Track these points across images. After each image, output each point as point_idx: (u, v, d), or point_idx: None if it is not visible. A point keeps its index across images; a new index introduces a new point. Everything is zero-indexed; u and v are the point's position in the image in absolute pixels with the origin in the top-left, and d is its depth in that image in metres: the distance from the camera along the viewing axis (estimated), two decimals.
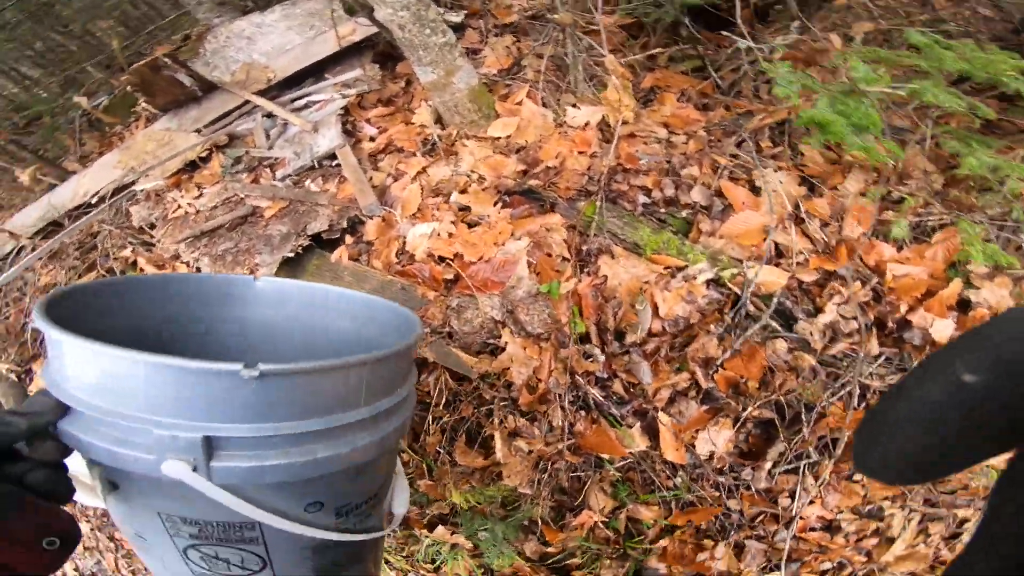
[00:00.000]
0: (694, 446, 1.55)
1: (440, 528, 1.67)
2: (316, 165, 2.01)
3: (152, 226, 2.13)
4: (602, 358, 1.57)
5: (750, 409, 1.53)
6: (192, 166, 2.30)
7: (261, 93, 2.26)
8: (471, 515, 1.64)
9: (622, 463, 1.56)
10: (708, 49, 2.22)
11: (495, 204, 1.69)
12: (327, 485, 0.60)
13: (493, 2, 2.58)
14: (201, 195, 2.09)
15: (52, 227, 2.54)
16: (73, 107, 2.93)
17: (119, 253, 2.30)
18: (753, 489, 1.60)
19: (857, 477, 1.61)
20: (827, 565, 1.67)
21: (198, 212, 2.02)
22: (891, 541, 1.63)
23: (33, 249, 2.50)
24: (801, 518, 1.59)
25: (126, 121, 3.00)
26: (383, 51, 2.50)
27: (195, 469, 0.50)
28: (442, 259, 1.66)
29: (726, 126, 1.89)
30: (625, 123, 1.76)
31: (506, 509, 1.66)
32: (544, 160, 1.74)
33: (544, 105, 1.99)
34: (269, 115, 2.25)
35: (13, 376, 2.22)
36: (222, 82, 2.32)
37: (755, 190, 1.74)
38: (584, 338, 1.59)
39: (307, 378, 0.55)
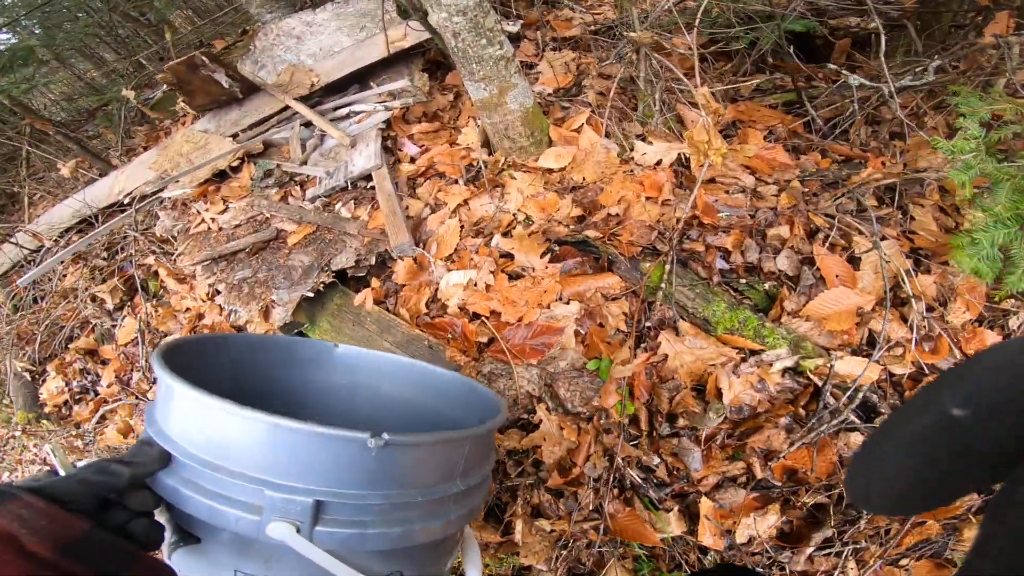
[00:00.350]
0: (733, 531, 1.31)
1: None
2: (349, 186, 1.83)
3: (175, 237, 2.01)
4: (647, 442, 1.33)
5: (803, 501, 1.28)
6: (222, 175, 2.16)
7: (303, 99, 2.09)
8: None
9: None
10: (802, 81, 1.90)
11: (543, 255, 1.45)
12: (411, 556, 0.59)
13: (552, 13, 2.32)
14: (226, 209, 1.95)
15: (85, 224, 2.48)
16: (120, 98, 2.87)
17: (143, 260, 2.19)
18: (788, 570, 1.36)
19: (904, 562, 1.37)
20: None
21: (220, 229, 1.87)
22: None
23: (61, 248, 2.45)
24: None
25: (175, 117, 2.92)
26: (433, 58, 2.28)
27: (299, 531, 0.49)
28: (476, 315, 1.44)
29: (824, 176, 1.57)
30: (709, 166, 1.48)
31: None
32: (605, 205, 1.49)
33: (607, 136, 1.73)
34: (308, 124, 2.08)
35: (27, 375, 2.16)
36: (264, 84, 2.16)
37: (852, 260, 1.43)
38: (632, 419, 1.35)
39: (425, 449, 0.57)
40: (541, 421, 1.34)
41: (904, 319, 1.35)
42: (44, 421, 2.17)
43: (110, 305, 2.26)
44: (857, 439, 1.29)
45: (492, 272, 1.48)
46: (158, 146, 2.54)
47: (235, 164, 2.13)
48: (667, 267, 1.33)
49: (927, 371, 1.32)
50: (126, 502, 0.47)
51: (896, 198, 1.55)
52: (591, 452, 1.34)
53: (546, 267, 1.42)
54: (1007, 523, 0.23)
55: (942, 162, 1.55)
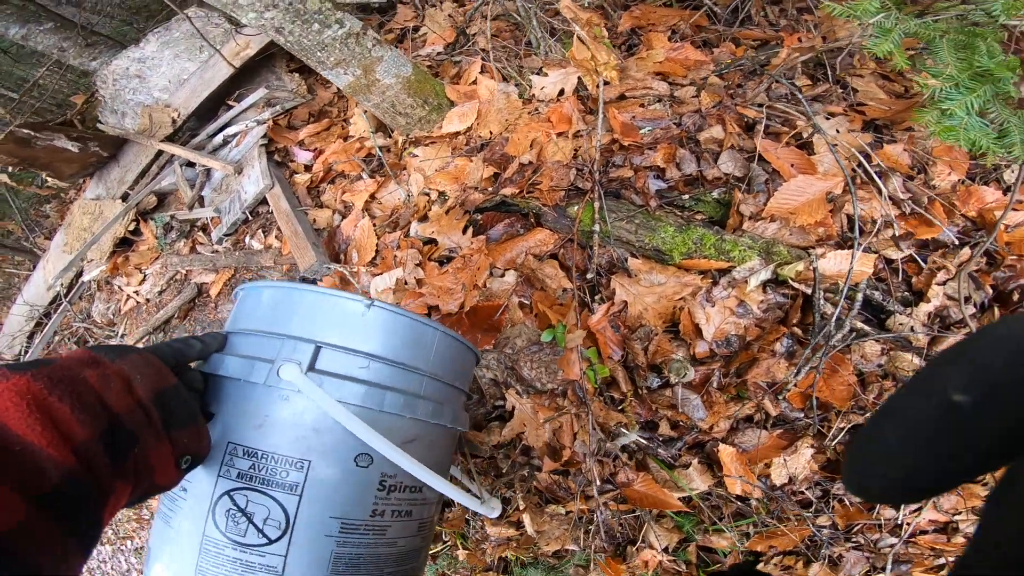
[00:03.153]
0: (768, 476, 1.15)
1: None
2: (249, 216, 1.57)
3: (112, 322, 1.76)
4: (636, 402, 1.15)
5: (836, 428, 1.11)
6: (125, 243, 1.89)
7: (171, 138, 1.79)
8: (523, 564, 1.30)
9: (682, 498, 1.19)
10: None
11: (465, 230, 1.22)
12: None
13: None
14: (144, 278, 1.69)
15: (38, 328, 2.20)
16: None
17: None
18: (848, 501, 1.22)
19: (979, 477, 1.22)
20: (942, 561, 1.32)
21: (147, 301, 1.63)
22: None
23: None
24: (908, 524, 1.23)
25: (76, 183, 2.56)
26: None
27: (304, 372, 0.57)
28: None
29: (741, 65, 1.35)
30: (608, 84, 1.25)
31: (557, 559, 1.32)
32: (516, 155, 1.26)
33: (505, 80, 1.48)
34: (191, 163, 1.80)
35: None
36: (127, 133, 1.85)
37: (804, 146, 1.23)
38: (610, 382, 1.16)
39: (401, 320, 0.65)
40: (514, 408, 1.15)
41: (883, 196, 1.16)
42: None
43: None
44: (873, 349, 1.10)
45: (419, 264, 1.25)
46: (63, 224, 2.23)
47: (132, 227, 1.86)
48: (596, 205, 1.12)
49: (929, 248, 1.13)
50: (185, 377, 0.55)
51: (829, 74, 1.34)
52: (576, 429, 1.16)
53: (471, 242, 1.20)
54: (1007, 514, 0.21)
55: (859, 29, 1.33)
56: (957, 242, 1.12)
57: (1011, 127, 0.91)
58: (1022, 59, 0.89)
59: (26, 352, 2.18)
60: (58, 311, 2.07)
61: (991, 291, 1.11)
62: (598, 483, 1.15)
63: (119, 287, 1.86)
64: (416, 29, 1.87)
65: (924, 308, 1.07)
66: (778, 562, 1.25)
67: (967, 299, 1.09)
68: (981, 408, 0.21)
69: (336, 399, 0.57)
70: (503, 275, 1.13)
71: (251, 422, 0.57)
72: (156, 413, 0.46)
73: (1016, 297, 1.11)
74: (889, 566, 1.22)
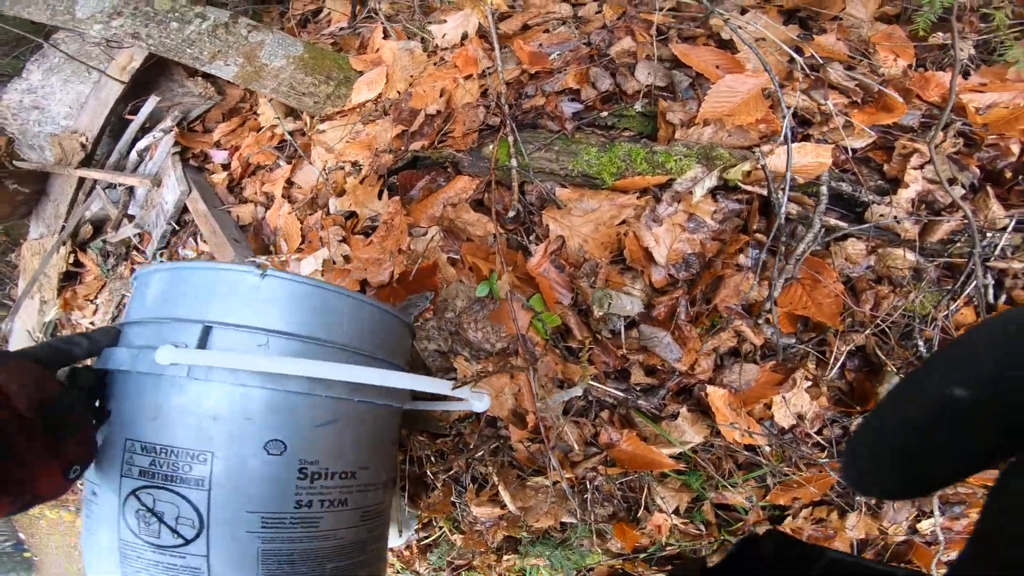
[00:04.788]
0: (771, 418, 1.03)
1: (508, 556, 1.25)
2: (177, 226, 1.47)
3: None
4: (598, 350, 1.05)
5: (836, 352, 0.99)
6: (71, 276, 1.81)
7: (86, 162, 1.69)
8: (530, 541, 1.21)
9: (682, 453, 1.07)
10: None
11: (380, 195, 1.12)
12: (293, 424, 0.56)
13: None
14: (96, 308, 1.62)
15: None
16: None
17: None
18: None
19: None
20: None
21: None
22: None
23: None
24: None
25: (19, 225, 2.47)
26: None
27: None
28: None
29: None
30: (506, 17, 1.13)
31: (562, 532, 1.22)
32: (421, 107, 1.15)
33: (409, 38, 1.36)
34: (109, 186, 1.70)
35: None
36: (46, 167, 1.76)
37: (724, 45, 1.11)
38: (564, 330, 1.07)
39: (300, 287, 0.59)
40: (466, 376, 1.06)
41: (833, 87, 1.04)
42: None
43: None
44: (857, 248, 0.98)
45: (343, 240, 1.16)
46: (21, 270, 2.16)
47: (72, 260, 1.77)
48: (510, 138, 1.01)
49: (893, 134, 1.02)
50: (76, 378, 0.54)
51: None
52: (535, 390, 1.06)
53: (388, 206, 1.10)
54: (1006, 512, 0.21)
55: None
56: (922, 126, 1.01)
57: None
58: None
59: None
60: None
61: (979, 171, 0.99)
62: (577, 447, 1.05)
63: (77, 322, 1.79)
64: (318, 11, 1.75)
65: (904, 194, 0.96)
66: (808, 515, 1.08)
67: (951, 181, 0.97)
68: (981, 403, 0.21)
69: (232, 383, 0.53)
70: (425, 233, 1.03)
71: (145, 415, 0.54)
72: (38, 423, 0.44)
73: (1009, 175, 1.00)
74: (937, 509, 1.08)
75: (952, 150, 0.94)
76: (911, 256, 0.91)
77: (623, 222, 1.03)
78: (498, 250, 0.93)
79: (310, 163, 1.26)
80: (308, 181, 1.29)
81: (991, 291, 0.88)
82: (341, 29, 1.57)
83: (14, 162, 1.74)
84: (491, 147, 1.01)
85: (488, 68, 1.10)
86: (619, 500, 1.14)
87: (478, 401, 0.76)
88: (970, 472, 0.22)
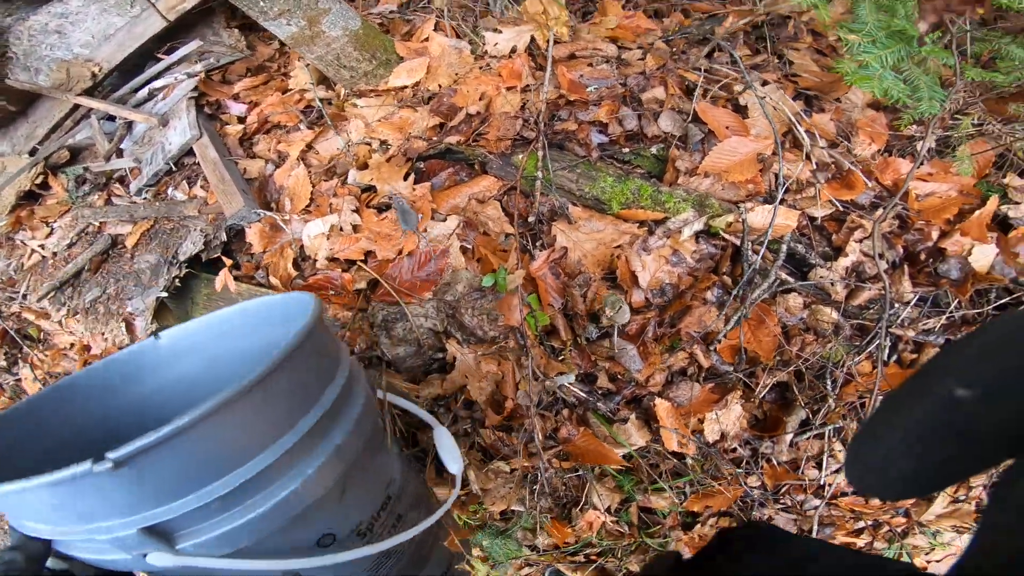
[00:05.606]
0: (702, 432, 1.18)
1: None
2: (174, 168, 1.48)
3: (12, 281, 1.59)
4: (575, 353, 1.16)
5: (762, 383, 1.16)
6: (32, 197, 1.72)
7: (90, 92, 1.67)
8: (471, 531, 1.26)
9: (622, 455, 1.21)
10: None
11: (406, 177, 1.20)
12: (320, 517, 0.56)
13: None
14: (52, 232, 1.56)
15: None
16: None
17: (7, 310, 1.77)
18: (775, 461, 1.28)
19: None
20: (862, 524, 1.39)
21: (55, 255, 1.51)
22: (931, 499, 1.33)
23: None
24: (829, 485, 1.30)
25: None
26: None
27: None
28: (351, 262, 1.19)
29: (689, 33, 1.42)
30: (559, 42, 1.28)
31: (505, 521, 1.28)
32: (463, 106, 1.26)
33: (459, 37, 1.48)
34: (107, 117, 1.67)
35: None
36: (40, 88, 1.71)
37: (738, 109, 1.30)
38: (550, 330, 1.17)
39: (185, 438, 0.46)
40: (455, 358, 1.13)
41: (810, 159, 1.24)
42: None
43: (4, 364, 1.84)
44: (796, 301, 1.18)
45: (355, 210, 1.22)
46: None
47: (39, 181, 1.70)
48: (540, 154, 1.13)
49: (849, 209, 1.22)
50: None
51: (769, 45, 1.43)
52: (518, 379, 1.14)
53: (413, 188, 1.18)
54: (1009, 513, 0.21)
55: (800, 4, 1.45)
56: (872, 205, 1.22)
57: (920, 83, 1.00)
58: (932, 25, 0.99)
59: None
60: None
61: (902, 251, 1.21)
62: (540, 438, 1.14)
63: (22, 242, 1.70)
64: None
65: (842, 262, 1.16)
66: (713, 523, 1.28)
67: (880, 255, 1.17)
68: (983, 404, 0.21)
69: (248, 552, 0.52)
70: (444, 220, 1.12)
71: None
72: None
73: (923, 257, 1.22)
74: (815, 528, 1.27)
75: (887, 229, 1.14)
76: (835, 314, 1.11)
77: (619, 246, 1.16)
78: (516, 248, 1.03)
79: (336, 132, 1.32)
80: (328, 149, 1.35)
81: (887, 352, 1.07)
82: (391, 12, 1.67)
83: (6, 81, 1.68)
84: (521, 157, 1.13)
85: (531, 85, 1.23)
86: (562, 494, 1.24)
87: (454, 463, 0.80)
88: (970, 473, 0.23)
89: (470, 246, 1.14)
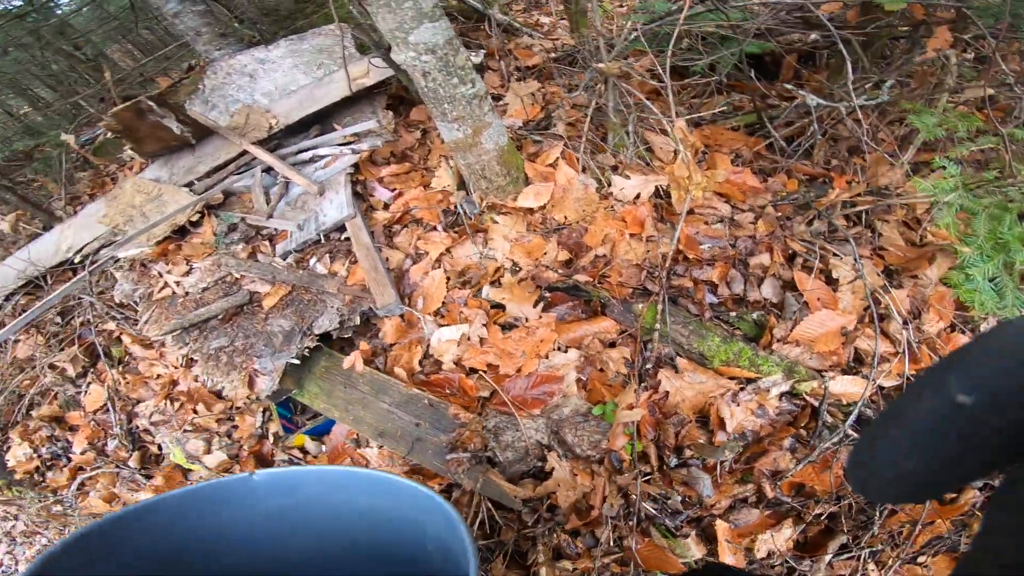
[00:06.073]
0: (752, 548, 1.32)
1: None
2: (323, 239, 1.70)
3: (136, 303, 1.82)
4: (658, 480, 1.31)
5: (816, 510, 1.30)
6: (182, 231, 1.98)
7: (262, 142, 1.93)
8: None
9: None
10: (759, 101, 1.91)
11: (535, 303, 1.39)
12: None
13: (513, 41, 2.25)
14: (190, 271, 1.78)
15: (31, 286, 2.22)
16: (61, 143, 2.58)
17: (103, 326, 1.99)
18: None
19: (921, 559, 1.42)
20: None
21: (187, 294, 1.71)
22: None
23: (15, 311, 2.19)
24: None
25: (121, 161, 2.65)
26: (395, 93, 2.17)
27: None
28: (473, 370, 1.37)
29: (794, 199, 1.59)
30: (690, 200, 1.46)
31: None
32: (591, 246, 1.45)
33: (583, 170, 1.68)
34: (268, 170, 1.93)
35: None
36: (218, 127, 1.99)
37: (830, 281, 1.45)
38: (640, 456, 1.32)
39: None
40: (553, 469, 1.30)
41: (884, 334, 1.38)
42: (16, 488, 1.97)
43: (71, 373, 2.06)
44: None
45: (484, 325, 1.41)
46: (106, 196, 2.31)
47: (195, 218, 1.96)
48: (659, 307, 1.31)
49: (911, 379, 1.36)
50: None
51: (863, 216, 1.59)
52: (607, 493, 1.30)
53: (539, 316, 1.37)
54: (1010, 516, 0.22)
55: (901, 177, 1.60)
56: None
57: (1007, 290, 1.14)
58: None
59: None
60: (69, 281, 2.11)
61: None
62: (611, 543, 1.29)
63: (158, 273, 1.93)
64: (498, 98, 2.08)
65: None
66: None
67: None
68: (986, 408, 0.21)
69: None
70: (566, 351, 1.29)
71: None
72: None
73: None
74: None
75: None
76: None
77: (713, 396, 1.31)
78: (634, 390, 1.20)
79: (472, 243, 1.52)
80: (462, 257, 1.55)
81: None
82: (519, 127, 1.89)
83: (188, 111, 1.97)
84: (641, 307, 1.30)
85: (653, 236, 1.41)
86: None
87: None
88: (971, 479, 0.23)
89: (584, 377, 1.31)
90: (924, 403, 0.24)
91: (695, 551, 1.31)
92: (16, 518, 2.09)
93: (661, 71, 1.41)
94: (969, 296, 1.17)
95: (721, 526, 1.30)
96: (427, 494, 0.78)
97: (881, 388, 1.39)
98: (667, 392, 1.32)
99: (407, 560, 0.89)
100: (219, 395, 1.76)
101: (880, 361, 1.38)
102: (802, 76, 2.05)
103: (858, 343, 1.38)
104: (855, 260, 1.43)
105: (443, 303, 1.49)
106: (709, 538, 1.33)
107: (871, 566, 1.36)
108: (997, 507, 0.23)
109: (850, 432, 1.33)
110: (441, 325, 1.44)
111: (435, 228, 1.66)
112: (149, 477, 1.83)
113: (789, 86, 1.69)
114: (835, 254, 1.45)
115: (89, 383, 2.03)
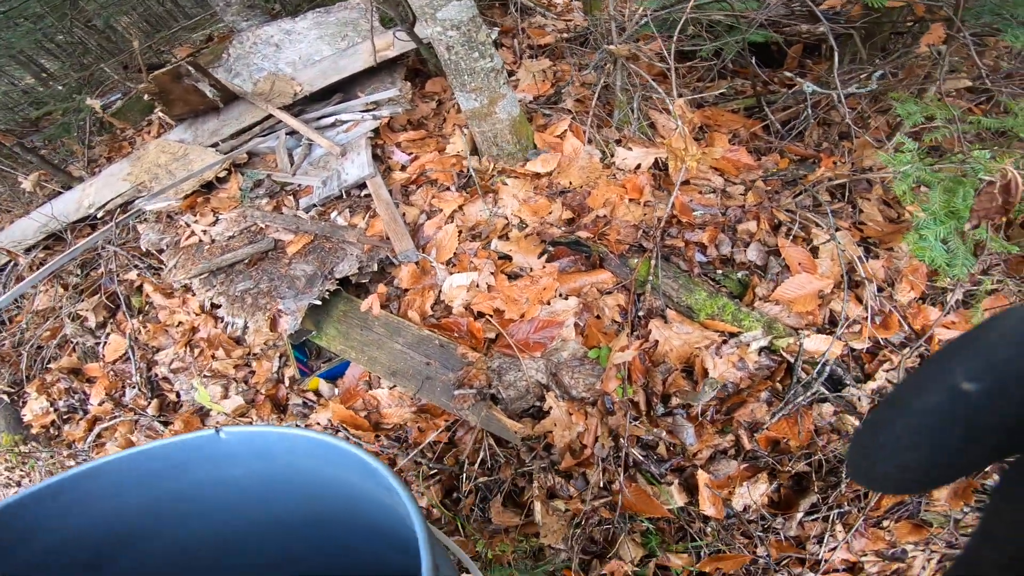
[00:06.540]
0: (730, 500, 1.45)
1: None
2: (343, 195, 1.83)
3: (161, 251, 1.95)
4: (647, 424, 1.45)
5: (791, 466, 1.43)
6: (208, 186, 2.11)
7: (286, 108, 2.05)
8: (497, 565, 1.54)
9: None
10: (759, 86, 2.04)
11: (540, 255, 1.52)
12: None
13: (527, 20, 2.37)
14: (217, 221, 1.91)
15: (52, 240, 2.35)
16: (81, 107, 2.70)
17: (124, 275, 2.12)
18: (782, 536, 1.53)
19: (885, 523, 1.55)
20: None
21: (213, 241, 1.84)
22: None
23: (32, 266, 2.32)
24: (825, 561, 1.54)
25: (138, 126, 2.78)
26: (412, 66, 2.29)
27: None
28: (480, 314, 1.51)
29: (783, 175, 1.72)
30: (685, 170, 1.59)
31: (535, 560, 1.56)
32: (593, 208, 1.58)
33: (589, 142, 1.81)
34: (291, 133, 2.06)
35: (6, 398, 2.06)
36: (245, 93, 2.11)
37: (812, 249, 1.59)
38: (630, 402, 1.46)
39: None
40: (551, 409, 1.43)
41: (859, 299, 1.51)
42: (32, 443, 2.08)
43: (92, 323, 2.17)
44: (828, 409, 1.45)
45: (492, 273, 1.54)
46: (129, 157, 2.44)
47: (222, 175, 2.08)
48: (652, 262, 1.44)
49: (881, 343, 1.48)
50: None
51: (846, 193, 1.72)
52: (599, 434, 1.43)
53: (543, 267, 1.49)
54: (1011, 509, 0.22)
55: (882, 164, 1.73)
56: (901, 344, 1.49)
57: (959, 253, 1.28)
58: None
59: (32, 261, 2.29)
60: (97, 232, 2.23)
61: None
62: (601, 485, 1.42)
63: (185, 223, 2.06)
64: (511, 73, 2.21)
65: (870, 385, 1.44)
66: None
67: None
68: (991, 396, 0.21)
69: None
70: (567, 298, 1.43)
71: None
72: None
73: None
74: None
75: (911, 364, 1.41)
76: (856, 422, 1.37)
77: (698, 348, 1.44)
78: (627, 334, 1.33)
79: (483, 201, 1.65)
80: (473, 214, 1.68)
81: None
82: (529, 102, 2.01)
83: (218, 78, 2.09)
84: (636, 261, 1.43)
85: (650, 201, 1.54)
86: (597, 543, 1.51)
87: None
88: (975, 468, 0.22)
89: (582, 324, 1.44)
90: (927, 391, 0.24)
91: (677, 499, 1.44)
92: (19, 484, 2.20)
93: (667, 55, 1.54)
94: (920, 252, 1.31)
95: (702, 476, 1.42)
96: (381, 474, 0.65)
97: (852, 349, 1.52)
98: (656, 341, 1.45)
99: (367, 541, 0.81)
100: (238, 342, 1.89)
101: (851, 324, 1.52)
102: (805, 65, 2.18)
103: (833, 306, 1.51)
104: (832, 229, 1.57)
105: (454, 253, 1.62)
106: (690, 488, 1.46)
107: (838, 527, 1.50)
108: (1001, 499, 0.23)
109: (823, 390, 1.47)
110: (452, 273, 1.57)
111: (448, 188, 1.79)
112: (167, 424, 1.95)
113: (789, 73, 1.82)
114: (817, 224, 1.58)
115: (109, 333, 2.15)
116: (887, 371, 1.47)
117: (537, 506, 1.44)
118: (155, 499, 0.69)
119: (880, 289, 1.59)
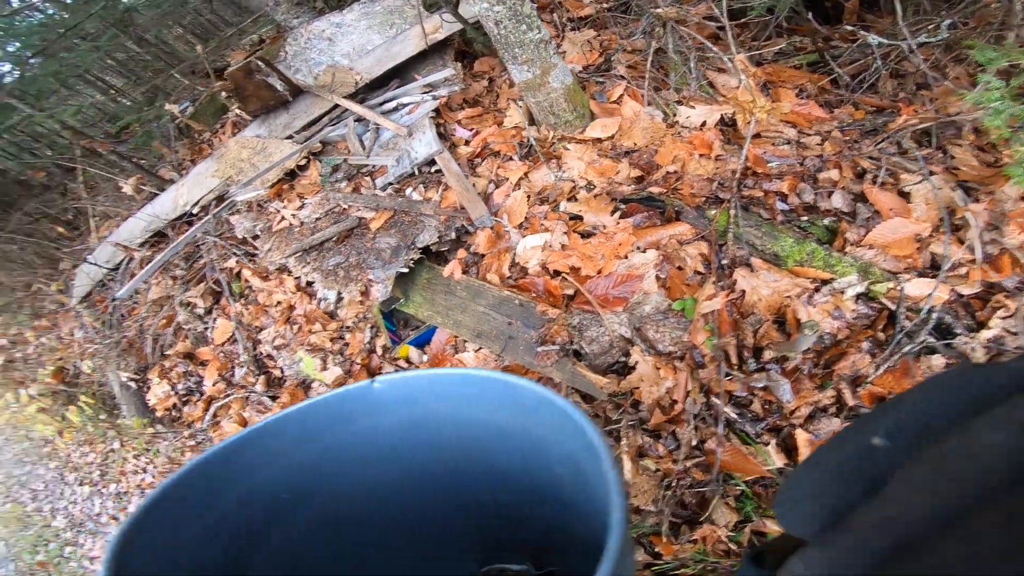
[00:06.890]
0: None
1: None
2: (415, 172, 1.90)
3: (255, 237, 2.07)
4: (741, 377, 1.41)
5: None
6: (290, 175, 2.24)
7: (349, 97, 2.15)
8: None
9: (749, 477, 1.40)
10: (820, 42, 1.98)
11: (612, 212, 1.52)
12: None
13: None
14: (303, 206, 2.02)
15: (157, 237, 2.54)
16: (161, 115, 2.91)
17: (223, 264, 2.26)
18: None
19: None
20: None
21: (302, 224, 1.94)
22: None
23: (141, 263, 2.50)
24: None
25: (212, 127, 2.97)
26: (458, 48, 2.36)
27: None
28: (556, 273, 1.52)
29: (861, 125, 1.66)
30: (755, 123, 1.56)
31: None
32: (662, 165, 1.57)
33: (649, 104, 1.81)
34: (358, 120, 2.15)
35: (134, 385, 2.23)
36: (309, 87, 2.23)
37: (902, 194, 1.52)
38: (724, 356, 1.43)
39: None
40: (636, 364, 1.41)
41: (962, 242, 1.43)
42: (158, 425, 2.23)
43: (200, 310, 2.32)
44: (939, 361, 1.36)
45: (565, 233, 1.55)
46: (212, 156, 2.60)
47: (301, 163, 2.20)
48: (732, 212, 1.42)
49: (993, 289, 1.40)
50: None
51: (933, 140, 1.64)
52: (689, 388, 1.40)
53: (617, 223, 1.50)
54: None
55: (971, 108, 1.65)
56: (1017, 289, 1.39)
57: None
58: None
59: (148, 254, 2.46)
60: (196, 224, 2.39)
61: None
62: (694, 444, 1.38)
63: (275, 209, 2.18)
64: (557, 46, 2.23)
65: (984, 334, 1.33)
66: None
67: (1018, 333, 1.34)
68: (896, 453, 0.24)
69: None
70: (645, 251, 1.42)
71: None
72: None
73: None
74: None
75: None
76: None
77: (789, 296, 1.40)
78: (713, 283, 1.31)
79: (547, 168, 1.68)
80: (540, 180, 1.70)
81: None
82: (579, 72, 2.03)
83: (285, 74, 2.22)
84: (715, 212, 1.41)
85: (720, 155, 1.52)
86: (687, 504, 1.46)
87: None
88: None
89: (663, 276, 1.43)
90: (844, 446, 0.28)
91: (775, 460, 1.37)
92: (145, 471, 2.36)
93: (719, 13, 1.53)
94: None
95: (801, 436, 1.32)
96: (558, 404, 0.54)
97: (960, 295, 1.43)
98: (743, 291, 1.42)
99: (530, 483, 0.72)
100: (332, 316, 1.98)
101: (956, 267, 1.43)
102: (865, 19, 2.11)
103: (934, 248, 1.44)
104: (924, 171, 1.50)
105: (525, 217, 1.64)
106: (788, 449, 1.37)
107: None
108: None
109: (931, 339, 1.38)
110: (525, 235, 1.59)
111: (512, 158, 1.82)
112: (275, 398, 2.06)
113: (851, 27, 1.77)
114: (906, 169, 1.51)
115: (215, 318, 2.29)
116: (1003, 318, 1.37)
117: (627, 464, 1.42)
118: (321, 451, 0.68)
119: (986, 231, 1.50)
